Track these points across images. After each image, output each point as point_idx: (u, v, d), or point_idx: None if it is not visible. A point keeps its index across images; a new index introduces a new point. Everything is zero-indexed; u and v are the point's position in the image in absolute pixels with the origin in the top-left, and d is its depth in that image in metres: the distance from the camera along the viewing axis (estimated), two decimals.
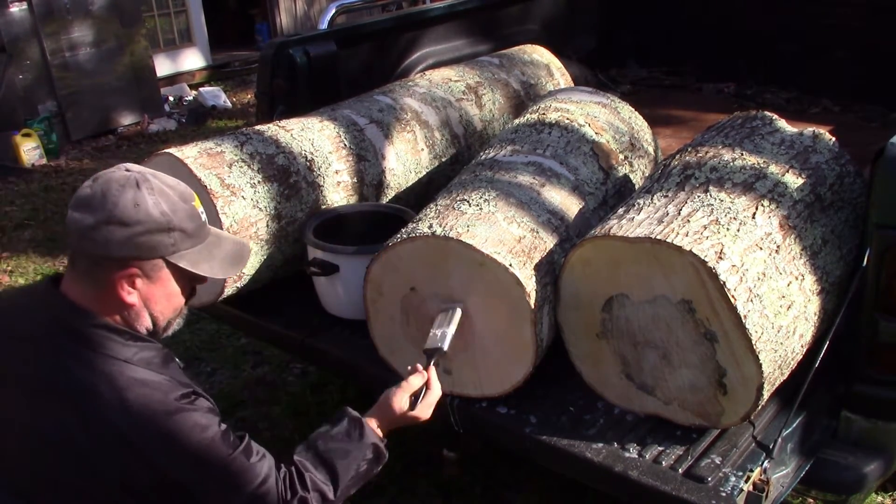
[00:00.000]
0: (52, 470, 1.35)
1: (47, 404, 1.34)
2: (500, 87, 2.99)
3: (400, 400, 1.61)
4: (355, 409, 1.59)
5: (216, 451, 1.37)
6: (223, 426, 1.40)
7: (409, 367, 1.68)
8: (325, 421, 1.58)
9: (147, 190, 1.36)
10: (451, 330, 1.76)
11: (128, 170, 1.39)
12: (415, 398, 1.63)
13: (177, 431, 1.34)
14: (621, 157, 2.32)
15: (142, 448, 1.32)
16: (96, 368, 1.33)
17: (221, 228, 2.06)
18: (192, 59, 7.99)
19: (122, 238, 1.33)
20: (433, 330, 1.77)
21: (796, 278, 1.68)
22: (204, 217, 1.46)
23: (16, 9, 6.00)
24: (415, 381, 1.63)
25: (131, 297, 1.37)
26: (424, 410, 1.63)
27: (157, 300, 1.41)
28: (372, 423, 1.58)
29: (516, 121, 2.49)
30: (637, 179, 2.34)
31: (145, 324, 1.41)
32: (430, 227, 1.82)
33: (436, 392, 1.66)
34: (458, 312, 1.79)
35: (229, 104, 7.38)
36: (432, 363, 1.70)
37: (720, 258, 1.56)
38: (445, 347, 1.72)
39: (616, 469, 1.67)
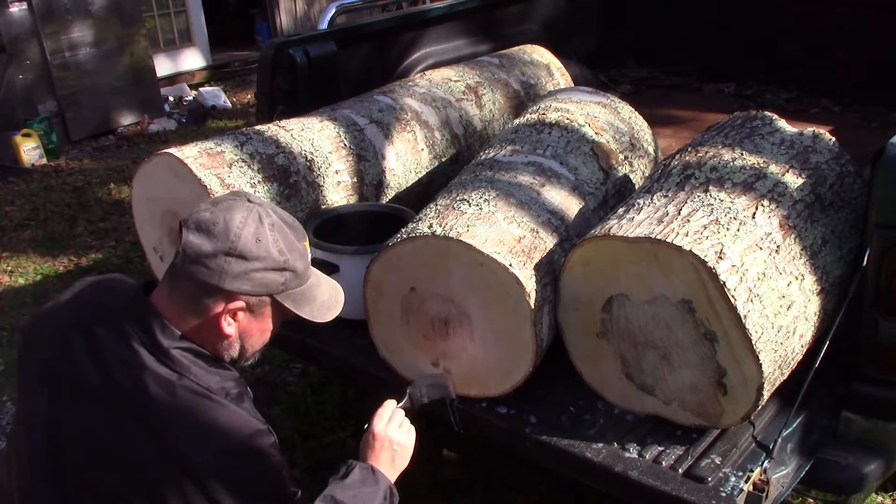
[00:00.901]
0: (108, 481, 1.31)
1: (117, 416, 1.30)
2: (500, 87, 2.99)
3: (374, 426, 1.59)
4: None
5: (275, 498, 1.38)
6: (285, 472, 1.40)
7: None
8: (335, 473, 1.55)
9: (269, 226, 1.35)
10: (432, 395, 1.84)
11: (249, 200, 1.37)
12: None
13: (245, 472, 1.33)
14: (621, 157, 2.32)
15: (207, 482, 1.29)
16: (176, 393, 1.30)
17: None
18: (192, 59, 7.99)
19: (238, 272, 1.31)
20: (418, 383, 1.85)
21: (796, 278, 1.68)
22: (310, 257, 1.45)
23: (16, 9, 6.00)
24: (381, 409, 1.63)
25: (230, 328, 1.36)
26: (388, 429, 1.58)
27: (252, 334, 1.40)
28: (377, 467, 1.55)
29: (516, 121, 2.49)
30: (637, 179, 2.34)
31: (233, 354, 1.40)
32: (430, 227, 1.82)
33: (388, 408, 1.62)
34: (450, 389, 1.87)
35: (229, 104, 7.38)
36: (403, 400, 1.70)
37: (720, 258, 1.56)
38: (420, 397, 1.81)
39: (616, 469, 1.67)
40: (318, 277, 1.49)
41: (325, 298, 1.47)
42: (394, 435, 1.58)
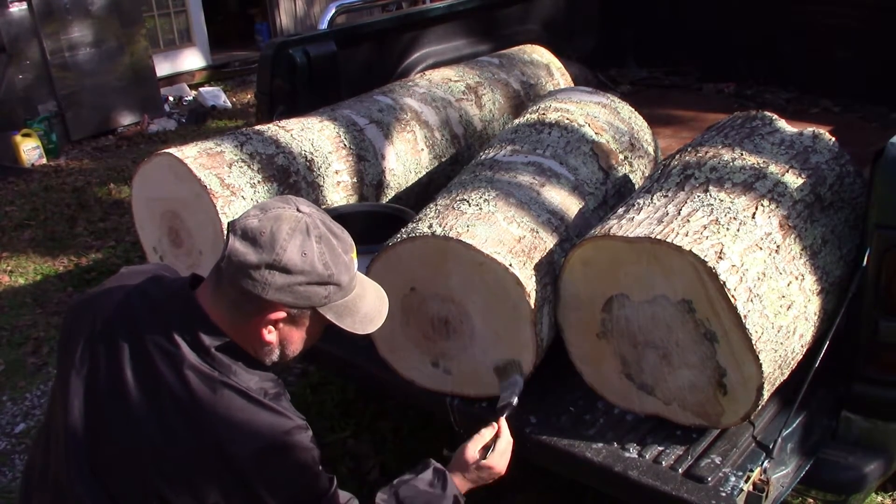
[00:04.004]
0: (146, 470, 1.32)
1: (157, 407, 1.31)
2: (500, 87, 2.99)
3: (471, 450, 1.60)
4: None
5: (314, 491, 1.41)
6: (321, 467, 1.42)
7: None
8: (409, 469, 1.58)
9: (315, 238, 1.34)
10: (518, 389, 1.77)
11: (299, 210, 1.36)
12: (485, 451, 1.62)
13: (284, 468, 1.35)
14: (621, 157, 2.32)
15: (247, 477, 1.31)
16: (216, 389, 1.31)
17: (221, 229, 2.06)
18: (192, 59, 7.99)
19: (281, 284, 1.31)
20: (502, 393, 1.78)
21: (796, 278, 1.68)
22: (356, 267, 1.44)
23: (16, 9, 6.00)
24: (486, 433, 1.64)
25: (270, 335, 1.36)
26: (497, 459, 1.61)
27: (292, 342, 1.40)
28: (454, 477, 1.57)
29: (516, 121, 2.49)
30: (637, 179, 2.34)
31: (273, 358, 1.41)
32: (430, 226, 1.82)
33: (506, 440, 1.64)
34: (521, 382, 1.81)
35: (229, 104, 7.38)
36: (503, 417, 1.69)
37: (720, 258, 1.56)
38: (515, 402, 1.74)
39: (616, 469, 1.67)
40: (364, 287, 1.46)
41: (368, 310, 1.46)
42: (488, 463, 1.60)
